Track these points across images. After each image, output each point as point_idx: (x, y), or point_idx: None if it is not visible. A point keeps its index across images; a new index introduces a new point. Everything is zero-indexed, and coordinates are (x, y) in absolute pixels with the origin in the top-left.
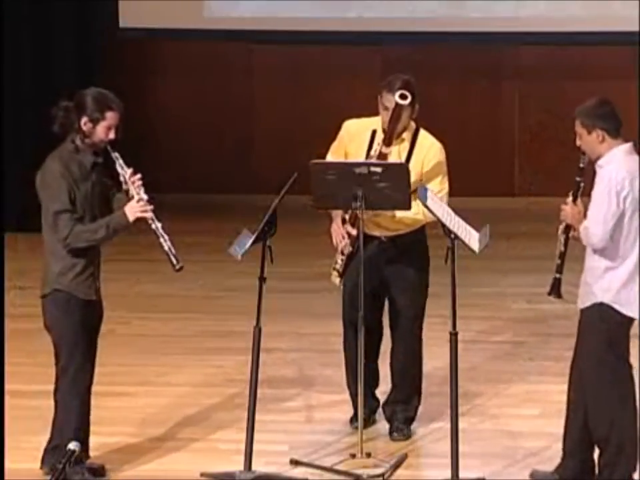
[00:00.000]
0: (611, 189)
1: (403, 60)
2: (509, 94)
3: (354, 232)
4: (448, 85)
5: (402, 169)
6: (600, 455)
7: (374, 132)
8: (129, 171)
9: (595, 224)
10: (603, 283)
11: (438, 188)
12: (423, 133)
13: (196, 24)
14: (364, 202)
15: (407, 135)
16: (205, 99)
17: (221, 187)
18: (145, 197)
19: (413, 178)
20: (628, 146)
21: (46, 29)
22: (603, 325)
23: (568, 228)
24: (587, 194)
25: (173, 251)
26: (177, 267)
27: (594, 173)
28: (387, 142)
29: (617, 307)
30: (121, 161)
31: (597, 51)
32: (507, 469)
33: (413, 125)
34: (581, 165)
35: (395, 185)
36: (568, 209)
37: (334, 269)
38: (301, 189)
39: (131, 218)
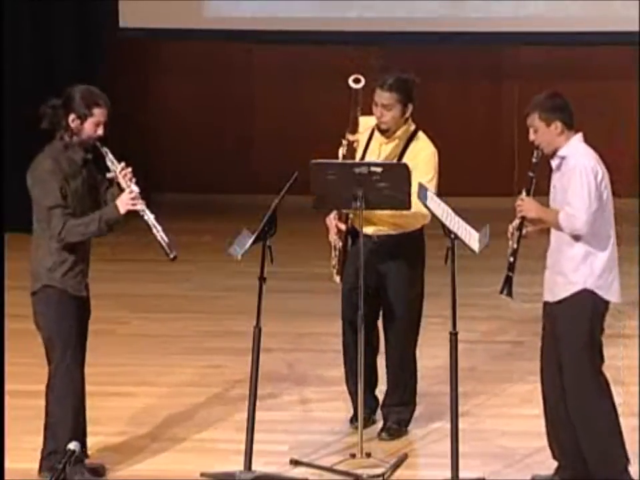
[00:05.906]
0: (588, 173)
1: (403, 60)
2: (508, 94)
3: (343, 227)
4: (448, 85)
5: (402, 169)
6: (586, 450)
7: (373, 129)
8: (120, 165)
9: (579, 209)
10: (585, 269)
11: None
12: (419, 135)
13: (196, 24)
14: (364, 202)
15: (401, 134)
16: (205, 99)
17: (221, 186)
18: (136, 189)
19: None
20: (580, 135)
21: (46, 28)
22: (585, 313)
23: (521, 224)
24: (540, 192)
25: (166, 239)
26: (171, 256)
27: (549, 169)
28: (351, 129)
29: (598, 292)
30: (110, 156)
31: (596, 51)
32: (506, 469)
33: (412, 125)
34: (534, 160)
35: (395, 185)
36: (526, 203)
37: (333, 266)
38: (300, 189)
39: (122, 210)
